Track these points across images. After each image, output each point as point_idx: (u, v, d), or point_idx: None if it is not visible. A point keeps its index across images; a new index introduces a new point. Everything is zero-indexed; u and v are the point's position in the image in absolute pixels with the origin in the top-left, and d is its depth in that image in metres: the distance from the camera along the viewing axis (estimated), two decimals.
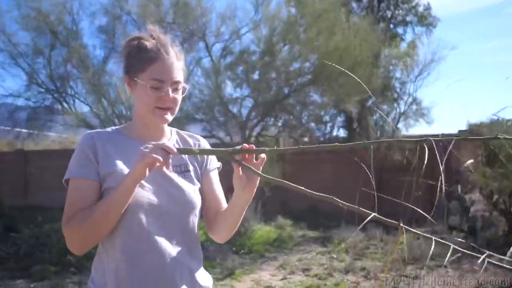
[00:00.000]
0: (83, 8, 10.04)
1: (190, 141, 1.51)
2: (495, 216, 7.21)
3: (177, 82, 1.36)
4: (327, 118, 12.77)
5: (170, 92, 1.34)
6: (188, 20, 8.52)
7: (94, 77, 9.02)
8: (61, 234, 5.09)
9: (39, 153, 12.68)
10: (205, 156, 1.50)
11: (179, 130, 1.54)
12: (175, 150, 1.23)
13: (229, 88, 9.47)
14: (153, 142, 1.23)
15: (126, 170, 1.32)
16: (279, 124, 10.28)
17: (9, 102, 10.69)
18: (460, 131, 15.06)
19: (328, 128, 13.45)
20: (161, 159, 1.19)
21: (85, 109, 10.17)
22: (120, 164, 1.34)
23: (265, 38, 8.77)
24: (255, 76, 9.21)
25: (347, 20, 9.27)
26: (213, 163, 1.53)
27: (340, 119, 13.43)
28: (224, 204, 1.50)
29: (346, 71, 1.54)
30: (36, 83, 10.27)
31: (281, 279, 5.14)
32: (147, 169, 1.20)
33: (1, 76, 15.05)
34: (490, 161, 10.40)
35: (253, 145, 1.30)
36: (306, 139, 12.82)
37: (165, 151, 1.21)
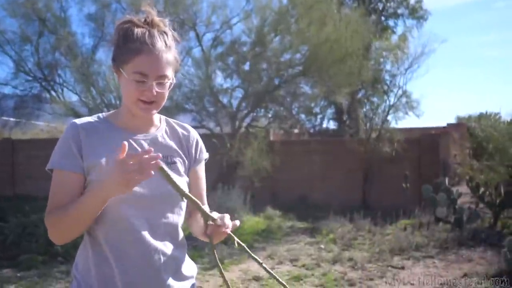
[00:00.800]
0: None
1: (179, 130, 1.47)
2: (481, 208, 7.30)
3: (163, 77, 1.30)
4: (317, 109, 12.82)
5: (154, 87, 1.28)
6: (179, 9, 8.44)
7: (83, 65, 8.92)
8: None
9: (26, 142, 12.54)
10: (194, 147, 1.47)
11: (168, 119, 1.50)
12: (160, 164, 1.16)
13: (219, 79, 9.45)
14: (134, 154, 1.14)
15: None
16: (269, 115, 10.28)
17: None
18: (448, 124, 15.24)
19: (318, 120, 13.52)
20: (142, 178, 1.12)
21: (74, 98, 10.09)
22: (104, 156, 1.31)
23: (256, 29, 8.73)
24: (246, 66, 9.19)
25: (339, 12, 9.25)
26: (203, 154, 1.51)
27: (330, 111, 13.50)
28: (204, 201, 1.49)
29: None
30: (24, 71, 10.15)
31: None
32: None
33: None
34: (477, 154, 10.54)
35: (235, 223, 1.30)
36: (296, 130, 12.86)
37: (149, 162, 1.12)
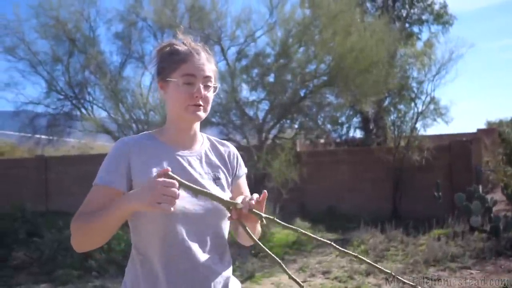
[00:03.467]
0: (100, 15, 10.20)
1: (221, 148, 1.52)
2: None
3: (208, 77, 1.39)
4: (343, 119, 12.72)
5: (201, 89, 1.36)
6: (204, 24, 8.58)
7: (112, 82, 9.15)
8: None
9: (58, 159, 12.87)
10: (235, 162, 1.53)
11: (209, 136, 1.55)
12: (177, 185, 1.19)
13: (245, 91, 9.50)
14: (161, 180, 1.17)
15: None
16: (296, 126, 10.26)
17: (29, 109, 10.89)
18: (478, 129, 14.88)
19: (345, 129, 13.40)
20: (169, 209, 1.17)
21: (103, 114, 10.32)
22: (154, 172, 1.34)
23: (280, 40, 8.77)
24: (271, 78, 9.22)
25: (362, 21, 9.22)
26: (242, 169, 1.56)
27: (356, 120, 13.37)
28: None
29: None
30: (55, 90, 10.46)
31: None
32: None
33: (21, 84, 15.31)
34: (511, 160, 10.23)
35: (264, 195, 1.29)
36: (322, 140, 12.78)
37: (172, 188, 1.17)
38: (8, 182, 12.33)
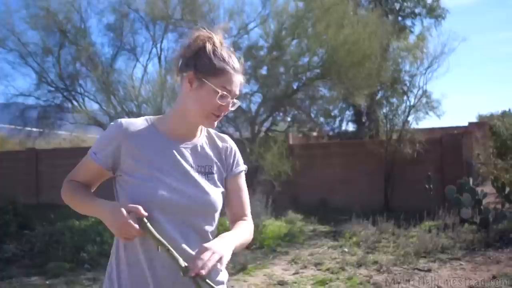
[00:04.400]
0: (91, 6, 10.09)
1: (219, 143, 1.51)
2: (507, 208, 7.15)
3: (237, 96, 1.42)
4: (336, 112, 12.75)
5: (230, 105, 1.39)
6: (196, 16, 8.52)
7: (103, 74, 9.07)
8: (74, 232, 5.15)
9: (50, 151, 12.80)
10: (231, 159, 1.51)
11: (209, 129, 1.53)
12: (138, 231, 1.27)
13: None
14: (124, 221, 1.25)
15: (154, 171, 1.36)
16: (288, 119, 10.27)
17: (19, 102, 10.81)
18: (470, 123, 14.99)
19: (337, 122, 13.44)
20: (132, 237, 1.28)
21: (95, 107, 10.25)
22: (148, 164, 1.37)
23: (273, 33, 8.76)
24: (264, 71, 9.21)
25: (355, 13, 9.21)
26: (239, 166, 1.53)
27: (349, 113, 13.41)
28: (246, 211, 1.52)
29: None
30: (46, 82, 10.35)
31: (294, 274, 5.15)
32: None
33: (11, 76, 15.13)
34: (501, 153, 10.33)
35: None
36: (315, 133, 12.81)
37: (131, 231, 1.26)
38: None
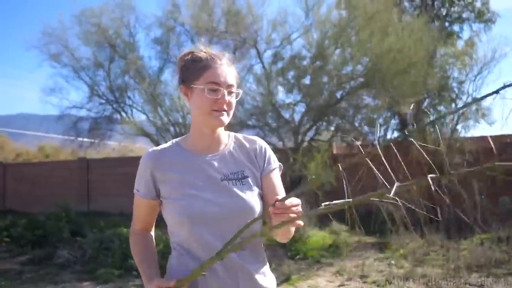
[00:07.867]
0: (139, 22, 10.49)
1: (248, 146, 1.53)
2: None
3: (231, 85, 1.43)
4: (381, 121, 12.49)
5: (225, 95, 1.41)
6: (240, 28, 8.66)
7: (150, 87, 9.37)
8: (123, 239, 5.31)
9: (100, 161, 13.30)
10: (262, 158, 1.52)
11: (236, 134, 1.56)
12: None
13: (281, 94, 9.51)
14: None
15: (187, 189, 1.41)
16: (332, 128, 10.17)
17: (72, 114, 11.35)
18: None
19: (382, 131, 13.15)
20: None
21: (142, 117, 10.61)
22: (181, 184, 1.43)
23: (316, 43, 8.74)
24: (307, 80, 9.18)
25: (400, 20, 9.04)
26: (273, 163, 1.54)
27: (394, 122, 13.09)
28: None
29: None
30: (97, 94, 10.83)
31: (339, 286, 5.08)
32: None
33: (65, 89, 15.92)
34: None
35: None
36: (359, 142, 12.61)
37: None
38: (53, 183, 12.85)
